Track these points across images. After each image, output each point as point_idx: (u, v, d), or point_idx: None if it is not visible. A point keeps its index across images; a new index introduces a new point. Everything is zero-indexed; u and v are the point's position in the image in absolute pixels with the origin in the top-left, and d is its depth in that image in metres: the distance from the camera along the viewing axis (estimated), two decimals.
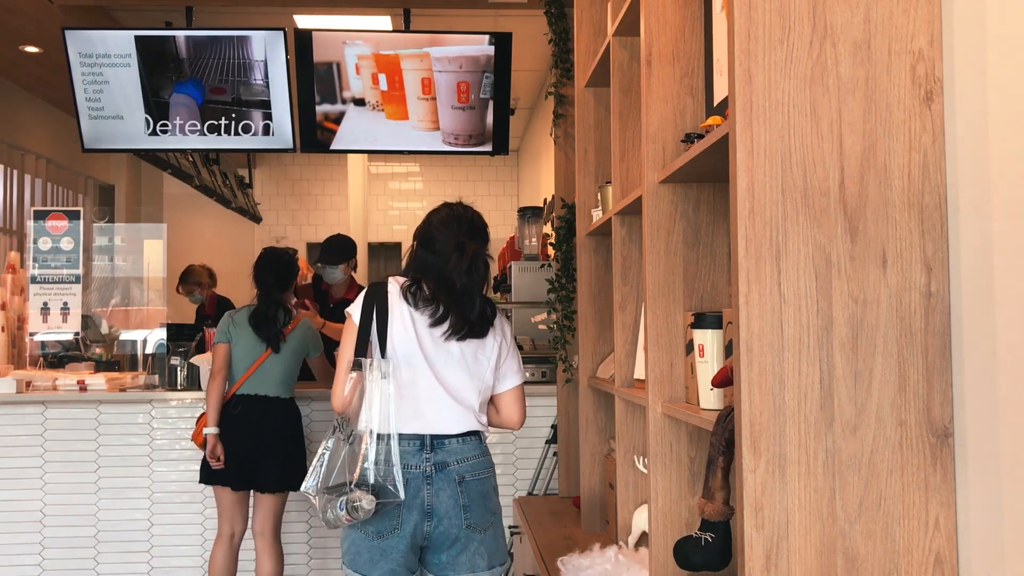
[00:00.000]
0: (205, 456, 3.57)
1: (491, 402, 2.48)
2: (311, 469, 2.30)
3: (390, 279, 2.43)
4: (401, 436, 2.29)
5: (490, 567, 2.35)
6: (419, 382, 2.32)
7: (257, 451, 3.54)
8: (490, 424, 2.47)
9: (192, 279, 5.95)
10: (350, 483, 2.21)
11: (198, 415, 3.71)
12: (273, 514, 3.62)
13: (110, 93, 4.90)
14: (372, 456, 2.23)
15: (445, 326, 2.34)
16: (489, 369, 2.40)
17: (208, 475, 3.58)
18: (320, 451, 2.32)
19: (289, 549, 4.16)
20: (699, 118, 2.02)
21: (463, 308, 2.35)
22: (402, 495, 2.23)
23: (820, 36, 1.40)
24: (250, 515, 3.68)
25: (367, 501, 2.19)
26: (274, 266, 3.71)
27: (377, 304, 2.35)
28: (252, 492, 3.66)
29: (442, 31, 4.98)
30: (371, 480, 2.22)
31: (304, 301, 4.23)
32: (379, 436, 2.26)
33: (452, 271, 2.36)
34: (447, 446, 2.31)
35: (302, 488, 2.30)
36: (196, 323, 5.67)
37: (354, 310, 2.38)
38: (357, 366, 2.29)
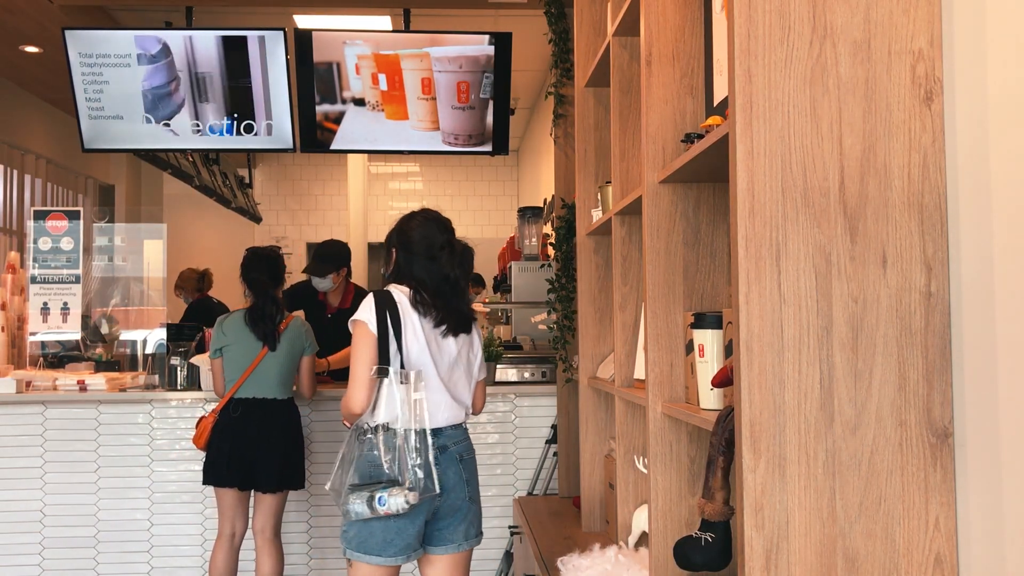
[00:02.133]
0: (207, 456, 3.57)
1: None
2: (335, 470, 2.52)
3: (392, 288, 2.60)
4: (408, 431, 2.50)
5: (477, 535, 2.65)
6: (430, 385, 2.54)
7: (258, 453, 3.54)
8: None
9: (177, 282, 6.16)
10: (386, 481, 2.42)
11: (198, 418, 3.70)
12: (273, 513, 3.62)
13: (110, 93, 4.90)
14: (411, 457, 2.45)
15: (445, 326, 2.57)
16: (477, 365, 2.69)
17: (210, 477, 3.58)
18: (341, 453, 2.55)
19: (289, 549, 4.16)
20: (699, 118, 2.02)
21: (457, 301, 2.59)
22: (437, 489, 2.47)
23: (820, 36, 1.40)
24: (250, 515, 3.68)
25: (412, 496, 2.41)
26: (264, 264, 3.68)
27: (390, 313, 2.53)
28: (252, 492, 3.66)
29: (442, 31, 4.98)
30: (410, 477, 2.43)
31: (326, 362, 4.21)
32: (415, 438, 2.47)
33: (445, 266, 2.59)
34: (444, 432, 2.57)
35: (327, 487, 2.52)
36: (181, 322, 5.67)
37: (367, 318, 2.52)
38: (383, 373, 2.48)
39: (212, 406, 4.12)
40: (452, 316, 2.58)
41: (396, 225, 2.71)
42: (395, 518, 2.44)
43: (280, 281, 3.73)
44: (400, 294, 2.57)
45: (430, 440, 2.49)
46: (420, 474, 2.45)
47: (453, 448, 2.56)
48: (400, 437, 2.46)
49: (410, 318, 2.53)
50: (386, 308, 2.53)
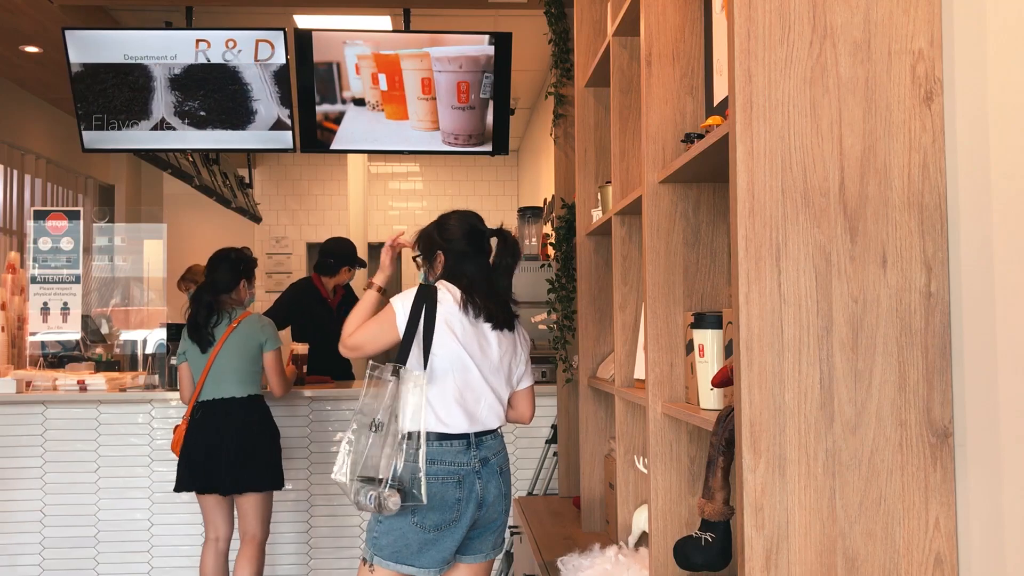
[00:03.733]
0: (178, 462, 3.53)
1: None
2: (338, 458, 2.47)
3: (441, 284, 2.54)
4: (449, 436, 2.47)
5: (502, 543, 2.66)
6: (472, 384, 2.49)
7: (214, 454, 3.46)
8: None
9: (189, 276, 6.02)
10: (382, 480, 2.38)
11: (174, 425, 3.65)
12: (251, 517, 3.53)
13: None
14: (403, 459, 2.41)
15: (492, 322, 2.53)
16: (516, 374, 2.64)
17: (179, 483, 3.52)
18: (344, 442, 2.47)
19: (289, 549, 4.17)
20: (699, 118, 2.02)
21: (506, 293, 2.58)
22: (424, 500, 2.40)
23: (820, 36, 1.40)
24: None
25: (393, 502, 2.36)
26: (211, 267, 3.66)
27: (427, 310, 2.47)
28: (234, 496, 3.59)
29: (442, 31, 4.97)
30: (399, 480, 2.39)
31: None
32: (411, 441, 2.43)
33: (498, 255, 2.60)
34: (486, 442, 2.53)
35: (332, 475, 2.47)
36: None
37: (401, 307, 2.49)
38: (395, 373, 2.44)
39: None
40: (500, 311, 2.54)
41: (433, 229, 2.64)
42: (435, 531, 2.42)
43: (225, 287, 3.62)
44: (446, 292, 2.51)
45: (423, 449, 2.42)
46: (404, 476, 2.39)
47: (494, 460, 2.53)
48: (401, 439, 2.41)
49: (450, 319, 2.47)
50: (423, 303, 2.47)
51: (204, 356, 3.56)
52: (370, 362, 2.62)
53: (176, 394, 4.14)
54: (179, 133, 4.94)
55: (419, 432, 2.44)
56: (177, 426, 3.59)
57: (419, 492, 2.40)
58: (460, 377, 2.48)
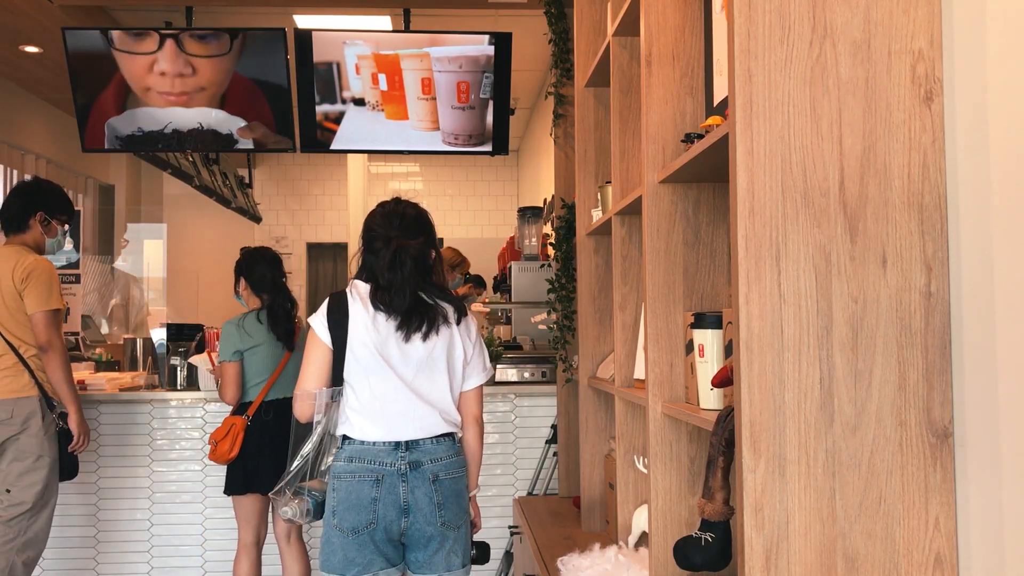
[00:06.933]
0: (240, 464, 3.42)
1: None
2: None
3: (352, 284, 2.44)
4: (375, 441, 2.35)
5: (463, 564, 2.43)
6: (387, 391, 2.35)
7: (278, 454, 3.33)
8: None
9: (453, 261, 5.53)
10: (292, 487, 2.41)
11: (223, 431, 3.44)
12: (265, 518, 3.54)
13: None
14: (316, 467, 2.40)
15: (406, 329, 2.37)
16: (460, 369, 2.44)
17: (243, 484, 3.41)
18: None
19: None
20: (699, 118, 2.02)
21: (393, 304, 2.36)
22: (296, 518, 2.39)
23: (820, 36, 1.40)
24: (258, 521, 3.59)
25: (282, 510, 2.40)
26: (270, 262, 3.60)
27: (339, 317, 2.37)
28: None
29: (442, 31, 4.98)
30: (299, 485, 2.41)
31: None
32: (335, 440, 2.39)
33: (383, 260, 2.37)
34: (421, 446, 2.36)
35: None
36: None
37: (317, 324, 2.39)
38: (337, 396, 2.39)
39: (212, 407, 4.12)
40: (412, 315, 2.37)
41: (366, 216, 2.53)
42: (353, 534, 2.30)
43: (285, 278, 3.67)
44: (355, 291, 2.39)
45: (328, 458, 2.36)
46: (305, 486, 2.37)
47: (429, 466, 2.34)
48: (313, 445, 2.37)
49: (361, 317, 2.35)
50: (335, 313, 2.37)
51: (279, 352, 3.48)
52: None
53: (176, 394, 4.13)
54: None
55: (339, 437, 2.37)
56: (230, 429, 3.40)
57: (305, 512, 2.37)
58: (377, 383, 2.34)
